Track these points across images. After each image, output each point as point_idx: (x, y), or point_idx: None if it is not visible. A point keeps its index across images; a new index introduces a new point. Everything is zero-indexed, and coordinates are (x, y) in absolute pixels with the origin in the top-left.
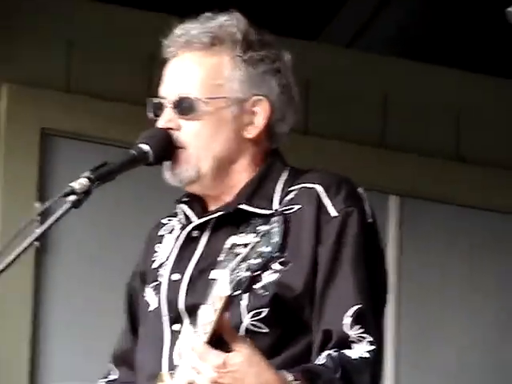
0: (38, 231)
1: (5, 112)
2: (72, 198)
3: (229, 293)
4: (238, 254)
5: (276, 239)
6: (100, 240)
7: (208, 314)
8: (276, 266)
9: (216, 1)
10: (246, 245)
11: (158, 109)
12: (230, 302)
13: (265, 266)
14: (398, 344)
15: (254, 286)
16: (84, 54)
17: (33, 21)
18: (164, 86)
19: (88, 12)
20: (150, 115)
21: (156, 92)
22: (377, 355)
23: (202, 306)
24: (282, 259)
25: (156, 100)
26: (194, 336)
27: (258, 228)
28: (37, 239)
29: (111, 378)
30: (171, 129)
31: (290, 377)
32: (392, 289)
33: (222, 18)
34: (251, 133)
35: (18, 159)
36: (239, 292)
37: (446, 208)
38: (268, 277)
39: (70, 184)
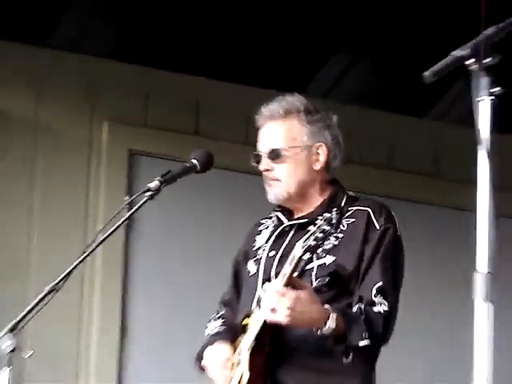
0: (127, 215)
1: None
2: (149, 193)
3: (300, 254)
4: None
5: (333, 221)
6: (176, 223)
7: (287, 268)
8: (332, 240)
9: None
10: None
11: (257, 158)
12: (300, 260)
13: (324, 239)
14: None
15: (318, 262)
16: None
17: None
18: (260, 144)
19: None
20: (253, 163)
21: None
22: (389, 313)
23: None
24: (335, 239)
25: (256, 152)
26: (277, 283)
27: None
28: (127, 219)
29: (221, 313)
30: (268, 170)
31: (331, 311)
32: None
33: (289, 98)
34: (317, 166)
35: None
36: (309, 255)
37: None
38: (328, 258)
39: (148, 184)
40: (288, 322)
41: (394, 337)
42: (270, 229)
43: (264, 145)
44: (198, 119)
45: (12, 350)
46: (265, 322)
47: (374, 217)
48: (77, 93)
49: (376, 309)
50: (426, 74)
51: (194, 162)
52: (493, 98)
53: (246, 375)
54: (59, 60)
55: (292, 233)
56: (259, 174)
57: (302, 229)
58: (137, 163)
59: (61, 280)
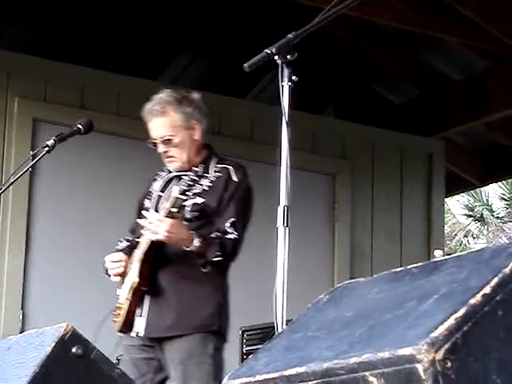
0: (30, 164)
1: None
2: (46, 149)
3: (176, 194)
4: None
5: (199, 173)
6: (68, 173)
7: (166, 204)
8: (204, 187)
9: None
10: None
11: (154, 144)
12: (176, 201)
13: (193, 185)
14: None
15: (192, 201)
16: None
17: None
18: (153, 133)
19: None
20: (151, 147)
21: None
22: (237, 240)
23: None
24: (206, 186)
25: (151, 140)
26: (158, 213)
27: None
28: (30, 167)
29: (126, 237)
30: (165, 152)
31: (196, 235)
32: None
33: (162, 95)
34: (196, 137)
35: None
36: (185, 196)
37: None
38: (198, 199)
39: (46, 142)
40: (165, 240)
41: None
42: (163, 177)
43: (156, 134)
44: (83, 97)
45: None
46: (151, 240)
47: (234, 172)
48: None
49: (228, 236)
50: (245, 65)
51: (79, 126)
52: (291, 84)
53: (136, 280)
54: None
55: (175, 181)
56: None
57: (182, 177)
58: (39, 128)
59: None
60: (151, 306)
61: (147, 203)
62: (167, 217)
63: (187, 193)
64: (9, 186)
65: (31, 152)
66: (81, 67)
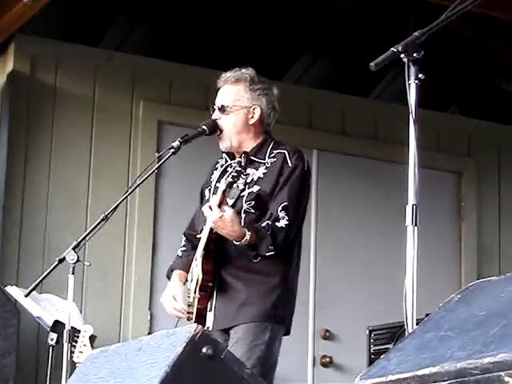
0: (157, 165)
1: None
2: (172, 150)
3: (223, 188)
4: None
5: (242, 164)
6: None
7: (215, 199)
8: (260, 174)
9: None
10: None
11: (213, 109)
12: (225, 192)
13: (238, 176)
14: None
15: (248, 190)
16: None
17: None
18: (216, 100)
19: None
20: (211, 112)
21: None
22: (289, 226)
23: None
24: (262, 174)
25: (212, 105)
26: (212, 201)
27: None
28: (156, 169)
29: (189, 232)
30: (217, 119)
31: (247, 231)
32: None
33: (243, 69)
34: (251, 121)
35: None
36: (242, 186)
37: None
38: (255, 188)
39: (172, 144)
40: (214, 229)
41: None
42: (221, 165)
43: (218, 100)
44: (207, 99)
45: (75, 262)
46: (209, 234)
47: (289, 156)
48: (122, 80)
49: (279, 224)
50: (372, 64)
51: (204, 127)
52: (418, 82)
53: (200, 276)
54: (110, 56)
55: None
56: None
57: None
58: (163, 130)
59: (110, 211)
60: (217, 300)
61: (207, 193)
62: (219, 207)
63: (237, 184)
64: (135, 188)
65: (156, 154)
66: (205, 69)
